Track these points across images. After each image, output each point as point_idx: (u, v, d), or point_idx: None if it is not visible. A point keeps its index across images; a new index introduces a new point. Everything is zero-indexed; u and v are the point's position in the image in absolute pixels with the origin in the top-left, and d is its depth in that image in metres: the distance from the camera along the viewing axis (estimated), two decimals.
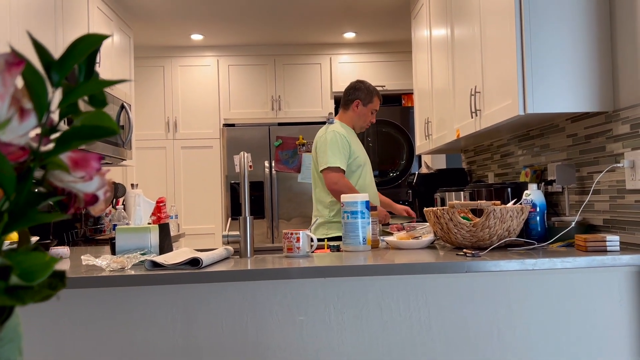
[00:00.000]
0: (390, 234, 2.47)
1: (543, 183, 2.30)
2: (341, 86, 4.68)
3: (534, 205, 2.01)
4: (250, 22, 4.43)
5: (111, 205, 3.63)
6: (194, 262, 1.65)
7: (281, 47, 5.08)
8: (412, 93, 4.14)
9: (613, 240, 1.72)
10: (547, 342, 1.67)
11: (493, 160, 3.08)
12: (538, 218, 2.01)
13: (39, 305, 1.64)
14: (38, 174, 0.48)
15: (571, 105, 1.92)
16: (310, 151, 4.54)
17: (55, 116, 0.50)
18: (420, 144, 3.66)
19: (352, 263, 1.66)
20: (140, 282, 1.58)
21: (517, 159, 2.74)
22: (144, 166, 4.93)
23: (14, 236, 1.89)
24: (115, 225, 3.38)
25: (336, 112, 4.94)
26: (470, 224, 1.86)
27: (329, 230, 2.77)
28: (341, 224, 2.76)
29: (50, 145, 0.47)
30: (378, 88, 3.06)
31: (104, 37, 0.46)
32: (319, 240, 2.25)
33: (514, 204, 2.08)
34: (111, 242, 1.91)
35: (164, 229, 1.95)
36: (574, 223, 1.94)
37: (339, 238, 2.65)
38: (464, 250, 1.82)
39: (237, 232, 1.97)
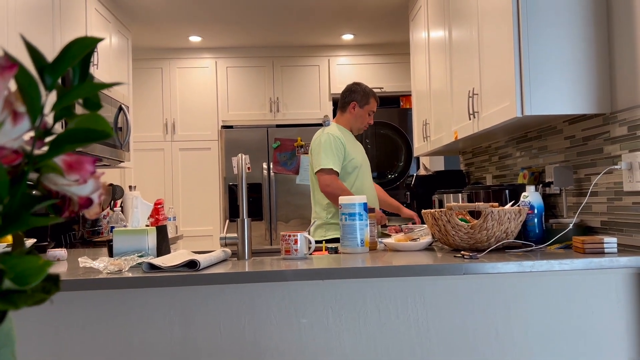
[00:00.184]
0: (388, 235, 2.47)
1: (541, 185, 2.30)
2: (339, 88, 4.68)
3: (531, 207, 2.01)
4: (248, 24, 4.43)
5: (109, 207, 3.62)
6: (192, 265, 1.65)
7: (279, 49, 5.08)
8: (410, 95, 4.14)
9: (611, 242, 1.72)
10: (545, 344, 1.67)
11: (491, 162, 3.08)
12: (536, 220, 2.01)
13: (36, 308, 1.63)
14: (32, 177, 0.48)
15: (569, 108, 1.92)
16: (308, 153, 4.54)
17: (49, 119, 0.49)
18: (418, 146, 3.66)
19: (350, 265, 1.66)
20: (137, 285, 1.58)
21: (515, 160, 2.74)
22: (142, 168, 4.92)
23: (9, 239, 1.89)
24: (112, 227, 3.37)
25: (334, 114, 4.94)
26: (468, 225, 1.86)
27: (327, 231, 2.77)
28: (339, 226, 2.78)
29: (45, 149, 0.47)
30: (376, 90, 3.06)
31: (98, 40, 0.45)
32: (317, 242, 2.25)
33: (512, 205, 2.08)
34: (109, 244, 1.91)
35: (161, 231, 1.94)
36: (571, 225, 1.94)
37: (336, 240, 2.65)
38: (462, 252, 1.81)
39: (235, 234, 1.96)
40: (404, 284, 1.67)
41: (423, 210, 2.02)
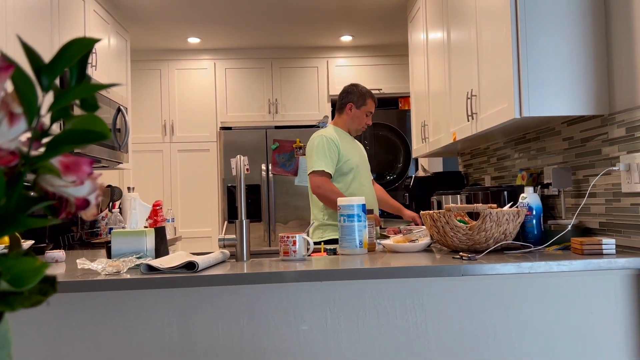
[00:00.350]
0: (387, 237, 2.47)
1: (539, 186, 2.31)
2: (338, 89, 4.66)
3: (530, 209, 2.01)
4: (247, 25, 4.43)
5: (107, 209, 3.62)
6: (190, 266, 1.64)
7: (278, 50, 5.08)
8: (409, 96, 4.14)
9: (609, 243, 1.72)
10: (544, 345, 1.67)
11: (489, 163, 3.08)
12: (534, 221, 2.01)
13: (33, 310, 1.63)
14: (29, 178, 0.48)
15: (567, 109, 1.93)
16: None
17: (46, 120, 0.49)
18: (417, 147, 3.66)
19: (348, 266, 1.66)
20: (135, 286, 1.58)
21: (513, 162, 2.74)
22: (141, 169, 4.92)
23: (6, 240, 1.88)
24: (111, 229, 3.37)
25: (333, 116, 4.94)
26: (467, 227, 1.86)
27: (324, 233, 2.77)
28: (335, 226, 2.78)
29: (41, 150, 0.47)
30: (374, 91, 3.06)
31: (95, 40, 0.45)
32: (315, 243, 2.25)
33: (511, 207, 2.08)
34: (107, 246, 1.90)
35: (159, 233, 1.94)
36: (570, 226, 1.94)
37: (334, 241, 2.65)
38: (460, 253, 1.81)
39: (234, 236, 1.96)
40: (402, 285, 1.67)
41: (422, 212, 2.02)
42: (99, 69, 3.45)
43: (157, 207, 3.50)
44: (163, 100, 5.00)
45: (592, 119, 2.02)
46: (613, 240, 1.72)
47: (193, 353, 1.63)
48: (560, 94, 1.92)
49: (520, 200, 2.05)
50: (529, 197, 2.03)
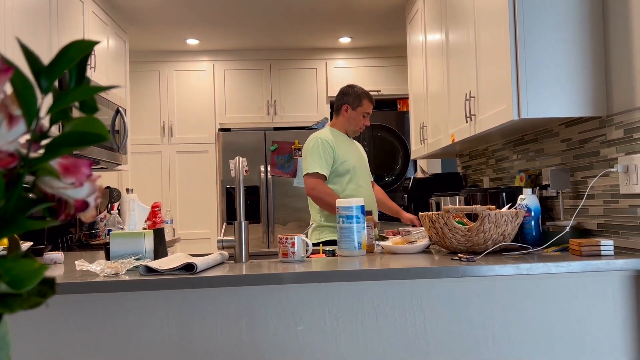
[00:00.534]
0: (386, 238, 2.47)
1: (538, 188, 2.31)
2: (337, 91, 4.63)
3: (528, 210, 2.01)
4: (245, 26, 4.43)
5: (106, 210, 3.62)
6: (189, 267, 1.64)
7: (277, 51, 5.09)
8: (408, 98, 4.15)
9: (607, 244, 1.72)
10: (542, 346, 1.67)
11: (488, 164, 3.08)
12: (533, 222, 2.02)
13: (32, 311, 1.63)
14: (28, 180, 0.48)
15: (565, 110, 1.93)
16: None
17: (46, 122, 0.49)
18: (416, 149, 3.67)
19: (347, 268, 1.66)
20: (134, 288, 1.58)
21: (511, 163, 2.74)
22: (139, 171, 4.92)
23: (4, 242, 1.88)
24: (109, 230, 3.37)
25: (332, 117, 4.95)
26: (465, 228, 1.86)
27: (322, 234, 2.78)
28: (332, 228, 2.78)
29: (41, 152, 0.47)
30: (373, 93, 3.06)
31: (94, 43, 0.46)
32: (313, 244, 2.24)
33: (509, 208, 2.08)
34: (105, 247, 1.90)
35: (158, 234, 1.94)
36: (568, 227, 1.95)
37: (332, 242, 2.65)
38: (459, 254, 1.82)
39: (232, 237, 1.96)
40: (401, 287, 1.67)
41: (420, 213, 2.02)
42: (98, 71, 3.45)
43: (156, 209, 3.50)
44: (162, 101, 5.00)
45: (590, 120, 2.02)
46: (611, 242, 1.73)
47: (192, 354, 1.63)
48: (558, 96, 1.92)
49: (518, 201, 2.05)
50: (528, 199, 2.03)
